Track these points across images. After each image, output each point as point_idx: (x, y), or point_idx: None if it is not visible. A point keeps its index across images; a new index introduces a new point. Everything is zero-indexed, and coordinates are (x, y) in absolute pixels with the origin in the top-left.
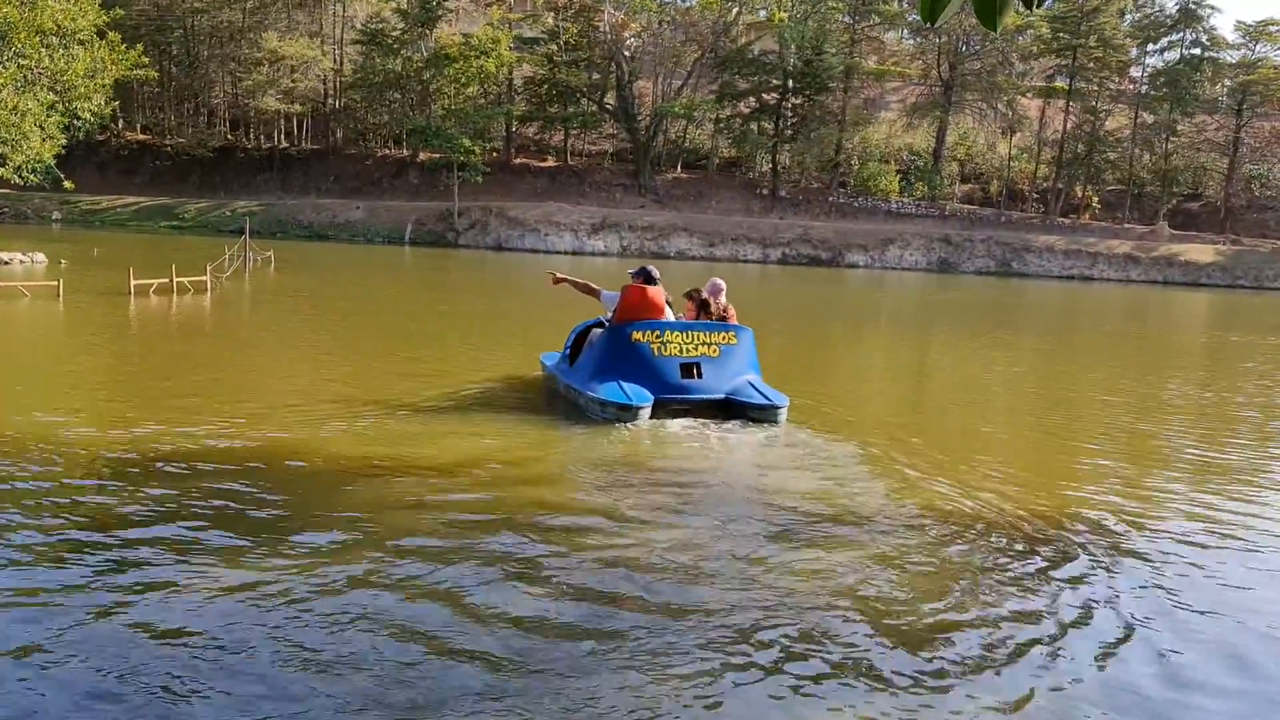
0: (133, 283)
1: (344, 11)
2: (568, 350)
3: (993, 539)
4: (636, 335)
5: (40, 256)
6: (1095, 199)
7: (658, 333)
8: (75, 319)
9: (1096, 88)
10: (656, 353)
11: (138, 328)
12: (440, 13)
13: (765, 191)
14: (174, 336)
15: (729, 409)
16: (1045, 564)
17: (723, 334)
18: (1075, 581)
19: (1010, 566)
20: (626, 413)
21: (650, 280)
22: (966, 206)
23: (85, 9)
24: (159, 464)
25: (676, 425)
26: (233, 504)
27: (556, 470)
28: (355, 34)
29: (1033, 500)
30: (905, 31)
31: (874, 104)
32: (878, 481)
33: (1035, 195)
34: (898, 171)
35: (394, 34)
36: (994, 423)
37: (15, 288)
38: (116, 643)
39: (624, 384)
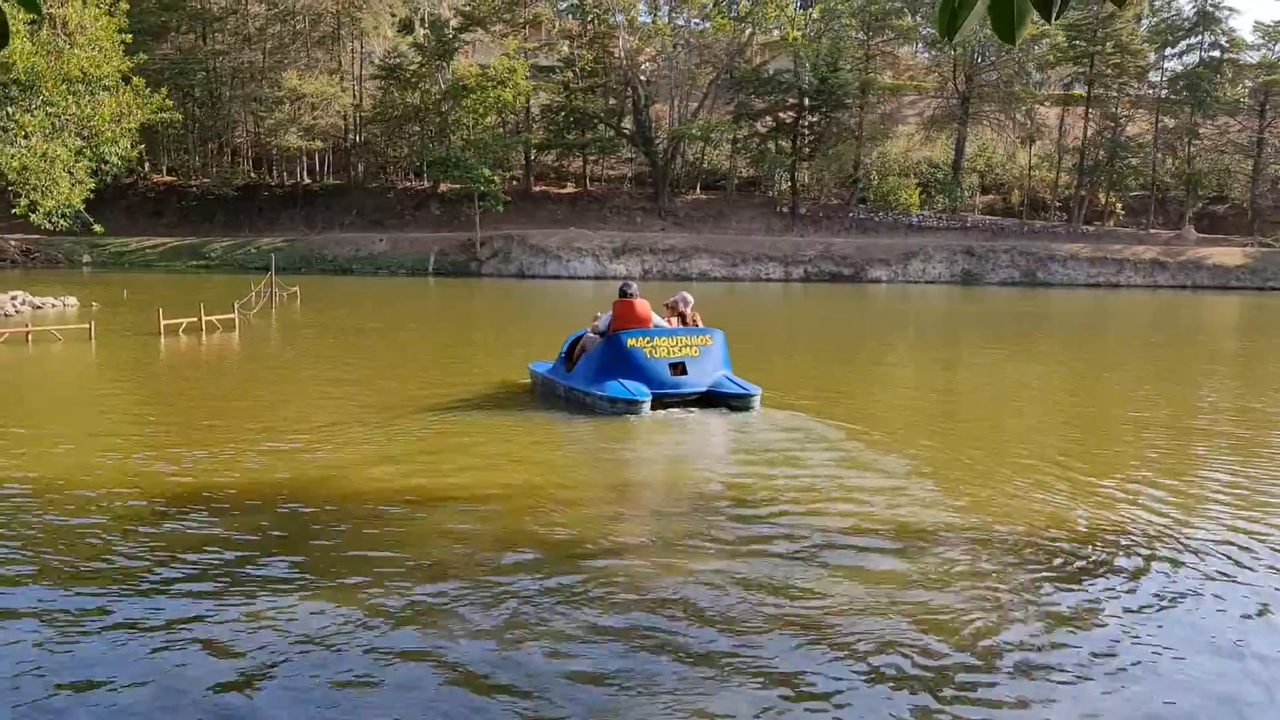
0: (162, 323)
1: (362, 48)
2: (563, 358)
3: (1032, 551)
4: (631, 342)
5: (72, 300)
6: (1119, 205)
7: (648, 339)
8: (107, 360)
9: (1116, 94)
10: (649, 355)
11: (167, 367)
12: (457, 45)
13: (785, 210)
14: (203, 374)
15: (711, 399)
16: (1084, 575)
17: (701, 337)
18: (1107, 594)
19: (1055, 582)
20: (633, 406)
21: (633, 295)
22: (988, 217)
23: (110, 56)
24: (193, 499)
25: (693, 432)
26: (266, 536)
27: (585, 485)
28: (373, 69)
29: (1075, 511)
30: (920, 46)
31: (891, 118)
32: (915, 492)
33: (1058, 204)
34: (917, 185)
35: (412, 68)
36: (1027, 432)
37: (49, 332)
38: (157, 675)
39: (625, 382)
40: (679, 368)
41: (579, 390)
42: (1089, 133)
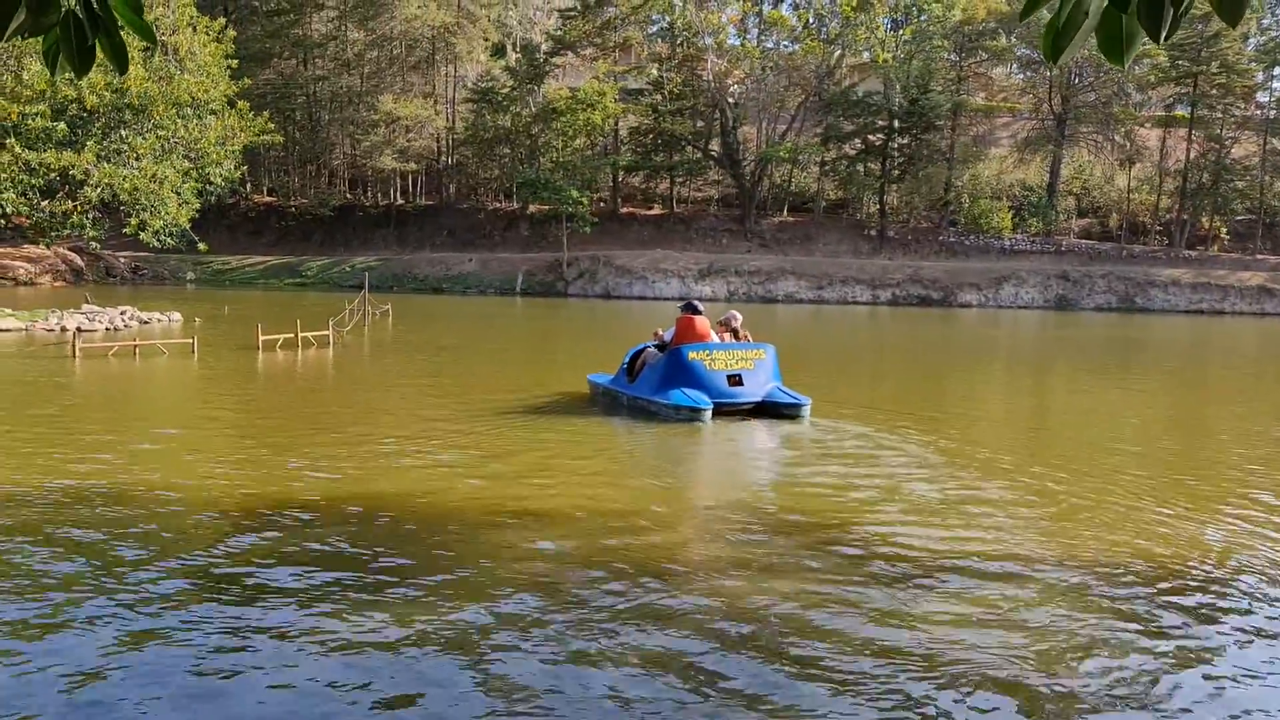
0: (260, 338)
1: (455, 72)
2: (624, 370)
3: (1134, 582)
4: (692, 355)
5: (176, 315)
6: (1224, 229)
7: (708, 352)
8: (208, 374)
9: (1220, 115)
10: (708, 367)
11: (264, 382)
12: (548, 69)
13: (873, 232)
14: (298, 389)
15: (764, 409)
16: (1189, 609)
17: (755, 351)
18: (1213, 629)
19: (1157, 615)
20: (697, 414)
21: (696, 311)
22: (1085, 241)
23: (217, 81)
24: (285, 510)
25: (768, 447)
26: (348, 550)
27: (661, 500)
28: (466, 93)
29: (1176, 543)
30: (1014, 66)
31: (983, 140)
32: (1009, 517)
33: (1158, 227)
34: (1010, 208)
35: (503, 91)
36: (1126, 462)
37: (155, 346)
38: (236, 688)
39: (687, 391)
40: (735, 379)
41: (644, 399)
42: (1192, 154)
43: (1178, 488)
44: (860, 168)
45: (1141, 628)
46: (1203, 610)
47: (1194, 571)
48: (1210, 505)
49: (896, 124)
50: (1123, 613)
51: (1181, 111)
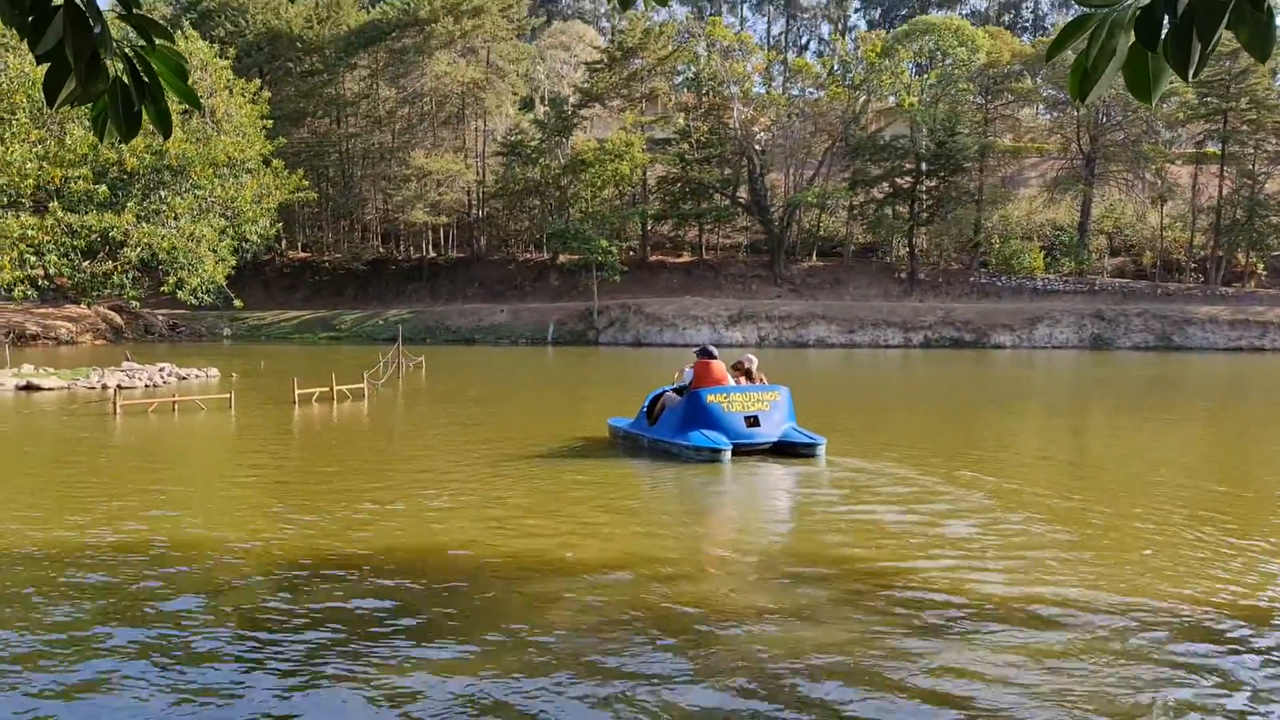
0: (296, 392)
1: (485, 126)
2: (644, 413)
3: (1181, 626)
4: (710, 398)
5: (214, 371)
6: (1260, 265)
7: (725, 395)
8: (246, 428)
9: (1252, 150)
10: (725, 410)
11: (301, 435)
12: (575, 121)
13: (903, 275)
14: (334, 443)
15: (780, 448)
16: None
17: (771, 393)
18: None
19: (1206, 662)
20: (717, 454)
21: (712, 356)
22: (1118, 280)
23: (253, 141)
24: (324, 564)
25: (801, 490)
26: (388, 603)
27: (692, 546)
28: (496, 146)
29: (1223, 587)
30: (1040, 107)
31: (1012, 181)
32: (1052, 561)
33: (1193, 265)
34: (1042, 248)
35: (532, 144)
36: (1169, 502)
37: (193, 401)
38: None
39: (706, 433)
40: (752, 420)
41: (665, 441)
42: (1224, 191)
43: (1224, 529)
44: (889, 211)
45: (1200, 676)
46: (1264, 653)
47: (1248, 615)
48: (1261, 547)
49: (924, 167)
50: (1178, 660)
51: (1213, 148)
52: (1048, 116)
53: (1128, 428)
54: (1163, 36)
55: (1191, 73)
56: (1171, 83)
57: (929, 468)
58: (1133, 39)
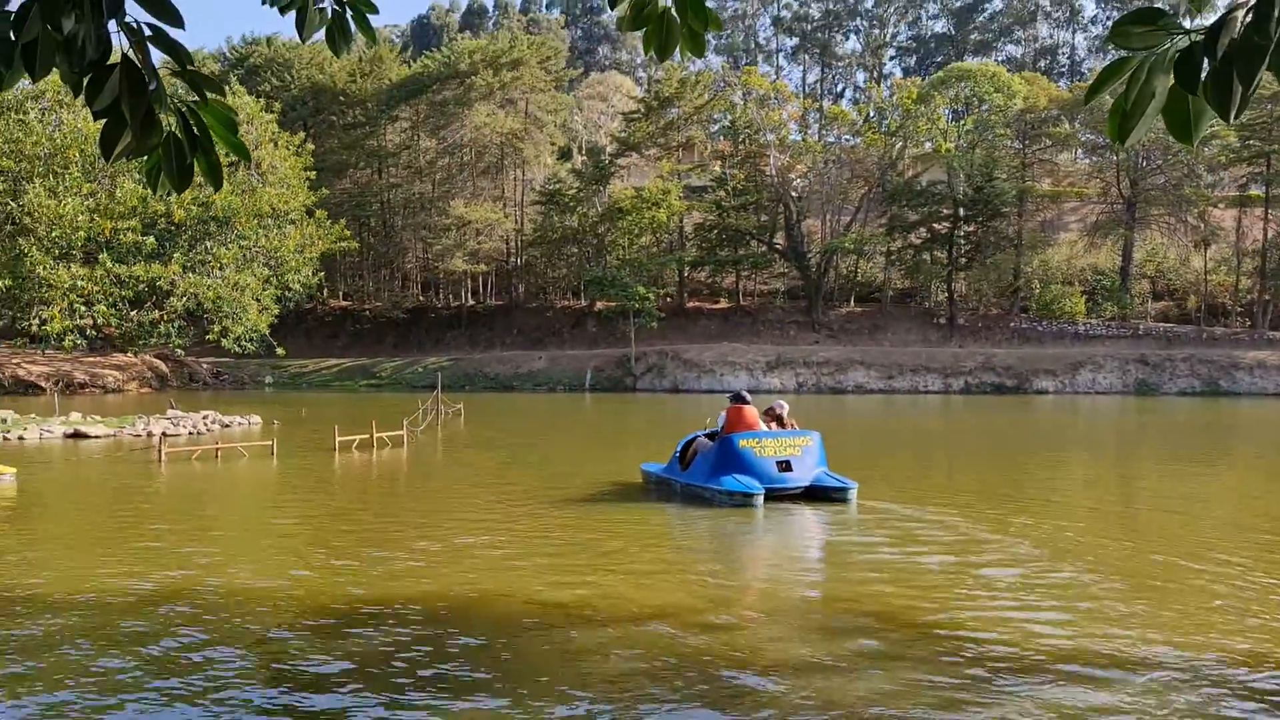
0: (337, 439)
1: (523, 175)
2: (676, 458)
3: (1236, 682)
4: (742, 443)
5: (256, 418)
6: None
7: (758, 440)
8: (287, 475)
9: None
10: (757, 454)
11: (342, 482)
12: (613, 170)
13: (942, 320)
14: (373, 489)
15: (812, 492)
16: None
17: (803, 438)
18: None
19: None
20: (749, 498)
21: (744, 401)
22: (1162, 325)
23: (296, 192)
24: (358, 612)
25: (839, 536)
26: (424, 653)
27: (731, 593)
28: (534, 195)
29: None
30: (1079, 152)
31: (1052, 225)
32: (1101, 611)
33: (1239, 309)
34: (1083, 292)
35: (570, 193)
36: (1223, 553)
37: (236, 448)
38: None
39: (739, 477)
40: (785, 465)
41: (697, 485)
42: (1270, 234)
43: (1275, 581)
44: (927, 256)
45: None
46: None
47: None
48: None
49: (962, 212)
50: (1237, 717)
51: (1256, 191)
52: (1087, 161)
53: (1177, 475)
54: (1203, 79)
55: (1233, 115)
56: (1212, 125)
57: (970, 514)
58: (1172, 81)
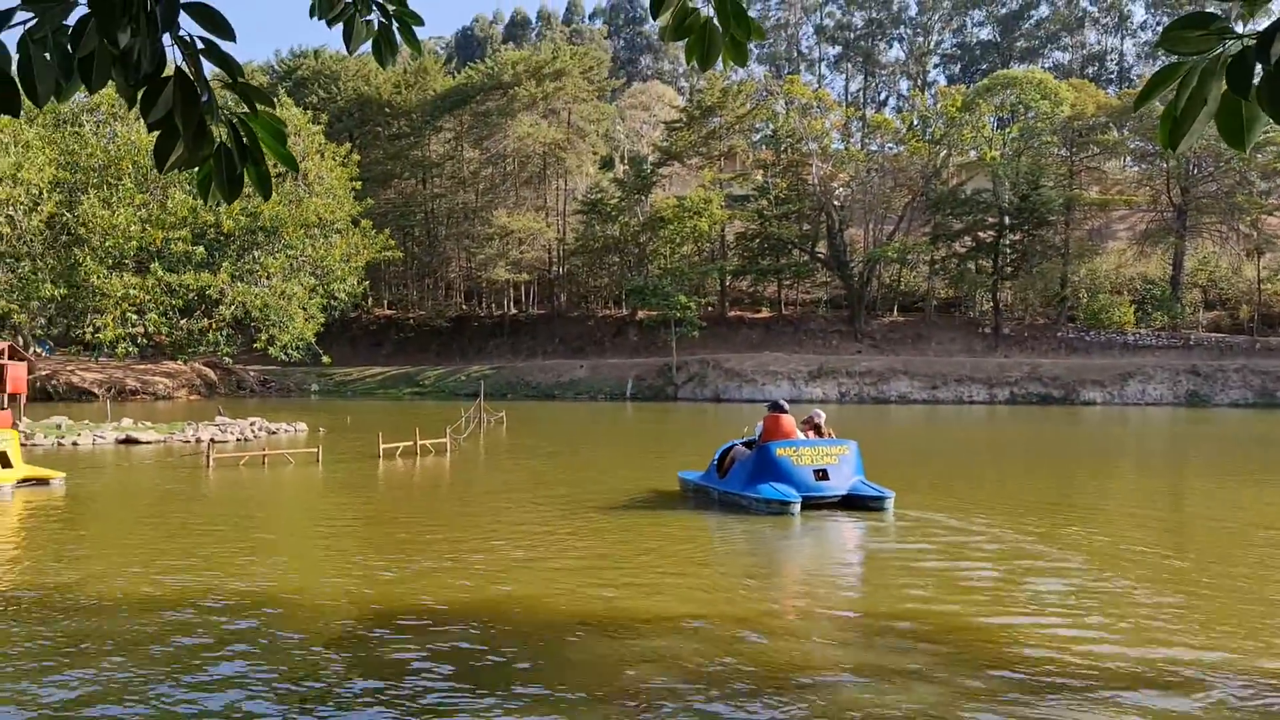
0: (381, 447)
1: (566, 185)
2: (714, 466)
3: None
4: (780, 451)
5: (302, 426)
6: None
7: (795, 449)
8: (332, 482)
9: None
10: (795, 463)
11: (386, 489)
12: (655, 179)
13: (987, 330)
14: (417, 496)
15: (849, 501)
16: None
17: (840, 447)
18: None
19: None
20: (786, 507)
21: (782, 410)
22: (1214, 335)
23: (342, 202)
24: (400, 618)
25: (882, 547)
26: (466, 658)
27: (770, 600)
28: (576, 205)
29: None
30: (1127, 159)
31: (1100, 234)
32: (1157, 626)
33: None
34: (1132, 302)
35: (612, 202)
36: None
37: (282, 455)
38: None
39: (776, 485)
40: (821, 474)
41: (735, 493)
42: None
43: None
44: (971, 265)
45: None
46: None
47: None
48: None
49: (1007, 220)
50: None
51: None
52: (1136, 168)
53: (1231, 487)
54: (1255, 83)
55: None
56: (1266, 131)
57: (1016, 524)
58: (1224, 86)
